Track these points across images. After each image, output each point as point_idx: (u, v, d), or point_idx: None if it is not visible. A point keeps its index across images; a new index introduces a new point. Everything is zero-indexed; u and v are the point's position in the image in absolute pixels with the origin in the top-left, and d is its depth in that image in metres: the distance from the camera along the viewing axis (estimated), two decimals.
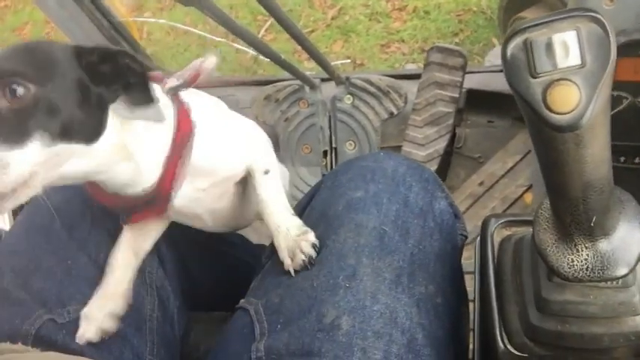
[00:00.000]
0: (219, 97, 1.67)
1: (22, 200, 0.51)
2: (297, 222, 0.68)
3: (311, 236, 0.65)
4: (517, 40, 0.38)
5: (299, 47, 1.29)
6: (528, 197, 1.34)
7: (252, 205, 0.82)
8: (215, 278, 0.90)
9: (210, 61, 0.70)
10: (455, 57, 1.29)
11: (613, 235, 0.45)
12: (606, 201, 0.43)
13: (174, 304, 0.78)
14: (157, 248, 0.77)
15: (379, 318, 0.56)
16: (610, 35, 0.37)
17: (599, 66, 0.37)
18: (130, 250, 0.72)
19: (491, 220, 0.63)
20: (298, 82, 1.44)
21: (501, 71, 0.40)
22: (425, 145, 1.33)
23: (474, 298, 0.64)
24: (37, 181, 0.51)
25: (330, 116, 1.48)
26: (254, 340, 0.59)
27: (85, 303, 0.67)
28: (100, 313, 0.66)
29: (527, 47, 0.38)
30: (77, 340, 0.65)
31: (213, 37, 2.56)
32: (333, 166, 1.51)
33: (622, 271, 0.45)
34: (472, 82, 1.42)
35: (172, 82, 0.67)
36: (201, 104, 0.72)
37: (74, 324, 0.65)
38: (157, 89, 0.65)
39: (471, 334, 0.67)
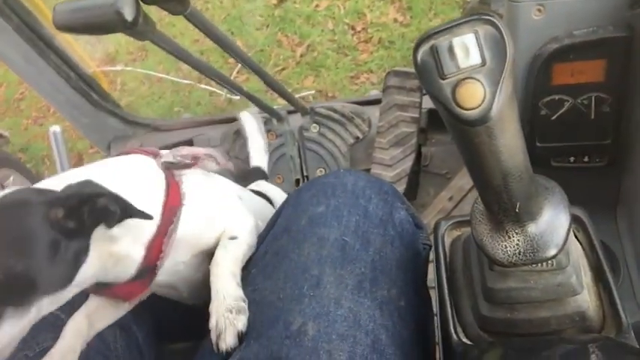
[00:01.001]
0: (190, 137, 1.70)
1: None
2: (237, 293, 0.65)
3: (241, 320, 0.62)
4: (425, 47, 0.42)
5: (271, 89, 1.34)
6: None
7: None
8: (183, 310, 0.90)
9: (210, 166, 0.75)
10: (411, 79, 1.35)
11: (540, 219, 0.49)
12: (527, 187, 0.47)
13: (140, 333, 0.79)
14: None
15: (343, 322, 0.58)
16: (505, 35, 0.41)
17: (499, 63, 0.41)
18: (87, 320, 0.71)
19: (441, 222, 0.67)
20: (265, 115, 1.48)
21: None
22: (392, 165, 1.37)
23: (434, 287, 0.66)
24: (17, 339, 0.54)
25: (299, 146, 1.52)
26: (229, 355, 0.61)
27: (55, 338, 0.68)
28: None
29: (434, 52, 0.41)
30: None
31: (187, 81, 2.61)
32: None
33: (552, 252, 0.48)
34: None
35: (168, 157, 0.70)
36: (192, 174, 0.73)
37: (42, 354, 0.66)
38: (150, 163, 0.69)
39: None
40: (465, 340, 0.57)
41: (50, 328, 0.69)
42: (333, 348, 0.56)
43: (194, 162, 0.74)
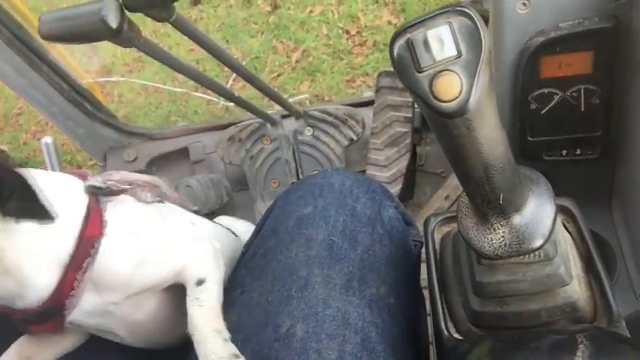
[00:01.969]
0: (185, 145, 1.70)
1: None
2: (228, 351, 0.58)
3: None
4: (400, 41, 0.42)
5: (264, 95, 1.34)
6: None
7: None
8: None
9: (145, 196, 0.67)
10: None
11: (524, 210, 0.49)
12: (510, 179, 0.46)
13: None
14: None
15: (332, 321, 0.58)
16: (479, 25, 0.41)
17: (474, 54, 0.40)
18: (20, 357, 0.65)
19: (431, 219, 0.67)
20: (259, 120, 1.48)
21: None
22: (387, 166, 1.37)
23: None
24: None
25: (293, 149, 1.52)
26: None
27: None
28: None
29: (409, 46, 0.41)
30: None
31: (182, 90, 2.62)
32: None
33: (537, 242, 0.48)
34: None
35: (96, 180, 0.63)
36: (124, 204, 0.64)
37: None
38: (76, 186, 0.62)
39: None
40: (456, 335, 0.56)
41: None
42: (323, 347, 0.56)
43: (125, 189, 0.65)
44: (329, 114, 1.48)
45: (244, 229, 0.97)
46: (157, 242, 0.65)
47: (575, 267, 0.56)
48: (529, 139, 0.91)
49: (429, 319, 0.68)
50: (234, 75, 2.59)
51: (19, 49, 1.29)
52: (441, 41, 0.41)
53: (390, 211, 0.74)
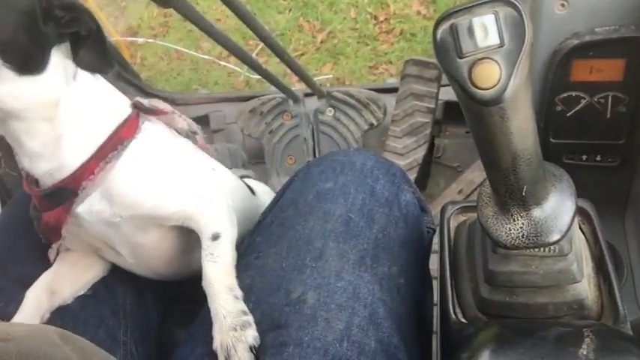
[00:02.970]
0: (206, 113, 1.71)
1: None
2: (237, 309, 0.60)
3: (249, 334, 0.58)
4: (444, 26, 0.42)
5: (289, 70, 1.34)
6: None
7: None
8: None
9: (182, 123, 0.73)
10: (430, 69, 1.35)
11: (545, 204, 0.50)
12: (535, 171, 0.47)
13: (150, 293, 0.81)
14: None
15: (342, 293, 0.59)
16: (524, 17, 0.41)
17: (517, 45, 0.41)
18: (47, 290, 0.69)
19: (448, 206, 0.68)
20: (282, 95, 1.49)
21: None
22: (404, 154, 1.38)
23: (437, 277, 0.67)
24: None
25: (312, 128, 1.53)
26: None
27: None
28: None
29: (453, 31, 0.42)
30: None
31: (206, 57, 2.62)
32: None
33: (555, 237, 0.49)
34: (450, 94, 1.48)
35: (143, 100, 0.69)
36: (161, 132, 0.69)
37: None
38: (123, 97, 0.68)
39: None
40: (462, 319, 0.58)
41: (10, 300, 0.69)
42: (332, 317, 0.57)
43: (166, 111, 0.70)
44: (352, 96, 1.48)
45: (262, 189, 1.01)
46: (174, 173, 0.68)
47: (587, 267, 0.57)
48: (551, 140, 0.91)
49: (435, 309, 0.69)
50: (258, 49, 2.59)
51: None
52: (485, 29, 0.41)
53: (408, 195, 0.75)
